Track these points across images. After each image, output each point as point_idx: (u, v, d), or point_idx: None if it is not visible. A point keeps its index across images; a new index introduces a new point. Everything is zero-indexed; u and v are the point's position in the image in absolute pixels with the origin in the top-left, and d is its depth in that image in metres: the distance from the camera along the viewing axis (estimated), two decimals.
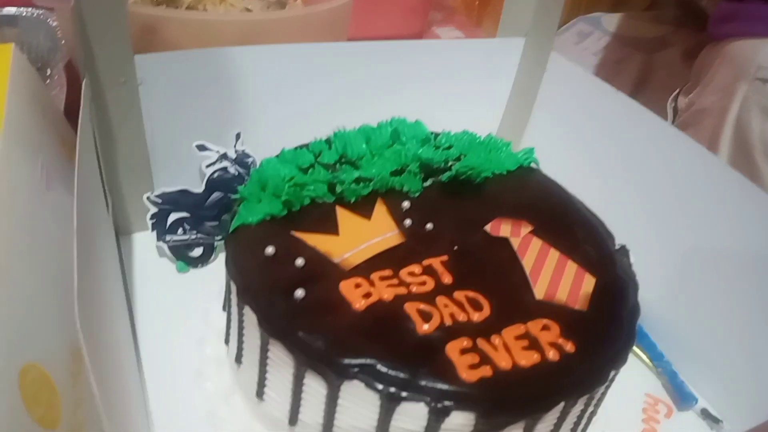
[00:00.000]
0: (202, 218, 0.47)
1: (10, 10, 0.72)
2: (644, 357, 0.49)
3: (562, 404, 0.32)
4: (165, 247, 0.47)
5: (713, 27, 0.80)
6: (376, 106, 0.47)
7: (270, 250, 0.35)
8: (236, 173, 0.48)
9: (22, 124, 0.37)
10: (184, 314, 0.44)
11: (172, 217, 0.47)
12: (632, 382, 0.46)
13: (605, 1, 1.29)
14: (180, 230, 0.47)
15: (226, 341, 0.40)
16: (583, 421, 0.36)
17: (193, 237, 0.47)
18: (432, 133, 0.46)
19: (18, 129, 0.36)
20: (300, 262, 0.35)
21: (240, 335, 0.35)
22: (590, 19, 1.20)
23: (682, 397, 0.46)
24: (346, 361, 0.30)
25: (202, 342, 0.42)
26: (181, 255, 0.48)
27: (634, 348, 0.49)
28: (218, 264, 0.49)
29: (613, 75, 1.08)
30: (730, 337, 0.44)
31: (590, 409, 0.35)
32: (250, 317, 0.33)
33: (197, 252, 0.48)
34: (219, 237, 0.48)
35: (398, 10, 0.82)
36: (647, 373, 0.48)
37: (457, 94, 0.55)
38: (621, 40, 1.13)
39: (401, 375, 0.30)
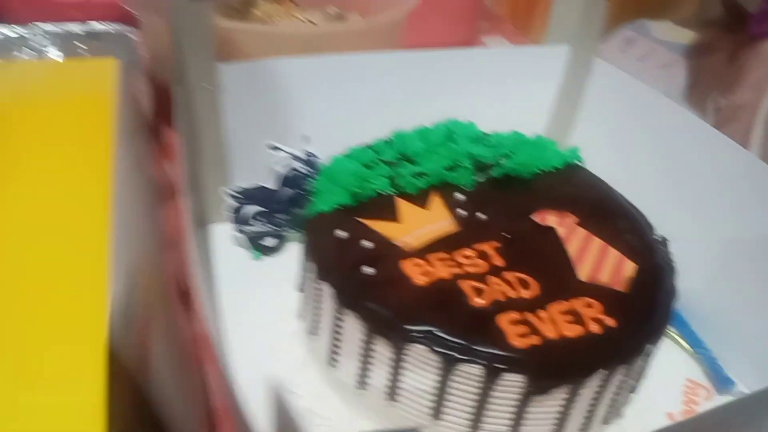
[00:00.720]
0: (275, 211, 0.53)
1: (96, 25, 0.80)
2: (685, 344, 0.51)
3: (603, 372, 0.35)
4: (241, 237, 0.52)
5: (753, 26, 0.82)
6: (430, 109, 0.51)
7: (342, 234, 0.40)
8: (305, 172, 0.53)
9: (129, 132, 0.43)
10: (259, 297, 0.49)
11: (248, 210, 0.52)
12: (673, 367, 0.49)
13: (651, 7, 1.31)
14: (255, 222, 0.53)
15: (301, 317, 0.45)
16: (622, 393, 0.39)
17: (267, 228, 0.53)
18: (483, 132, 0.50)
19: (126, 138, 0.42)
20: (367, 244, 0.40)
21: (316, 309, 0.40)
22: (636, 26, 1.22)
23: (720, 382, 0.48)
24: (410, 327, 0.35)
25: (277, 320, 0.47)
26: (255, 244, 0.53)
27: (675, 335, 0.51)
28: (289, 252, 0.54)
29: (659, 80, 1.10)
30: None
31: (629, 381, 0.39)
32: (327, 292, 0.38)
33: (270, 242, 0.53)
34: (290, 229, 0.53)
35: (448, 20, 0.86)
36: (688, 360, 0.51)
37: (504, 99, 0.59)
38: (667, 46, 1.15)
39: (459, 341, 0.34)
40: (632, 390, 0.41)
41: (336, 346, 0.39)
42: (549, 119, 0.63)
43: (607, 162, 0.52)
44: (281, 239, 0.54)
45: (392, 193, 0.44)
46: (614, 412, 0.40)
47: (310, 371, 0.43)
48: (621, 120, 0.59)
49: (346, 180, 0.43)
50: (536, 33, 1.07)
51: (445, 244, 0.40)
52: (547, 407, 0.36)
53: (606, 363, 0.35)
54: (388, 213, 0.43)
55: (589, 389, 0.36)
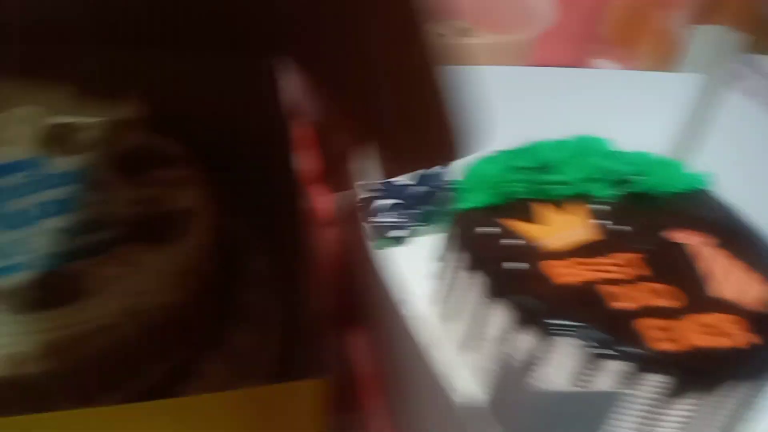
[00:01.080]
0: (408, 206, 0.57)
1: None
2: None
3: (734, 383, 0.37)
4: (371, 228, 0.57)
5: None
6: (559, 124, 0.54)
7: (488, 230, 0.43)
8: (438, 171, 0.57)
9: None
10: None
11: (382, 203, 0.57)
12: None
13: (760, 41, 1.28)
14: (385, 215, 0.57)
15: (437, 302, 0.48)
16: (746, 409, 0.41)
17: (399, 221, 0.57)
18: (615, 150, 0.53)
19: None
20: (511, 242, 0.43)
21: (458, 297, 0.44)
22: (744, 59, 1.20)
23: None
24: (557, 321, 0.38)
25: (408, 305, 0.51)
26: (382, 235, 0.57)
27: None
28: (416, 243, 0.58)
29: None
30: None
31: (754, 397, 0.40)
32: (477, 281, 0.41)
33: (399, 233, 0.57)
34: (419, 222, 0.57)
35: (563, 41, 0.89)
36: None
37: (632, 120, 0.61)
38: None
39: (602, 338, 0.37)
40: (754, 408, 0.42)
41: (475, 331, 0.42)
42: (673, 143, 0.65)
43: (731, 186, 0.53)
44: (410, 232, 0.58)
45: (532, 198, 0.47)
46: (733, 426, 0.42)
47: (441, 354, 0.46)
48: (745, 146, 0.60)
49: (490, 182, 0.47)
50: (645, 57, 1.08)
51: (584, 250, 0.43)
52: (677, 410, 0.38)
53: (739, 374, 0.37)
54: (528, 216, 0.46)
55: (717, 398, 0.38)
